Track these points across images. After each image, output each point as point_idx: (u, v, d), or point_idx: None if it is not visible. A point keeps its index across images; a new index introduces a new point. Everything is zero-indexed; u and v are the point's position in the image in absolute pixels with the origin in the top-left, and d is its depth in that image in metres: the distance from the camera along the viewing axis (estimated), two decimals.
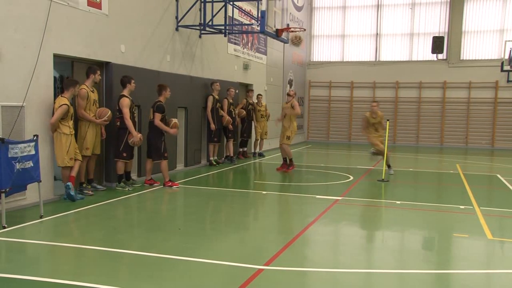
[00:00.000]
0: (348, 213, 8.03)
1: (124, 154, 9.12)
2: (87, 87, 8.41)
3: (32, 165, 6.63)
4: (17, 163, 6.34)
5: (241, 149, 15.04)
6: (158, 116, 9.47)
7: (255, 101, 15.25)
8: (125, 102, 8.92)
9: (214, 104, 12.77)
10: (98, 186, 8.98)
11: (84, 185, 8.59)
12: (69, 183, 7.82)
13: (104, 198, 8.32)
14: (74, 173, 7.94)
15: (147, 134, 9.68)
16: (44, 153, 7.63)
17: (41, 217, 6.83)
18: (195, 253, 5.46)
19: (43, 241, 5.95)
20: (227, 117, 13.16)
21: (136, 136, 9.01)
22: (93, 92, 8.54)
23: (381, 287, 4.81)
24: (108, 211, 7.61)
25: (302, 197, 9.17)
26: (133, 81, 9.16)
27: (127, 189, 9.17)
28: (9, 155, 6.22)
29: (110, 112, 8.64)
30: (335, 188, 10.25)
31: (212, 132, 12.78)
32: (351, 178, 11.43)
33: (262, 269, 4.95)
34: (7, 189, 6.24)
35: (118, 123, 9.06)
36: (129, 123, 8.91)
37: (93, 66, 8.63)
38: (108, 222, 6.98)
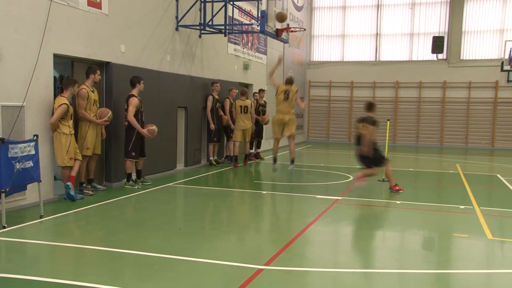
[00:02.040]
0: (348, 213, 8.03)
1: (133, 154, 9.24)
2: (87, 87, 8.41)
3: (32, 165, 6.63)
4: (17, 163, 6.34)
5: (254, 151, 14.87)
6: None
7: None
8: (134, 101, 9.06)
9: (214, 104, 12.77)
10: (98, 186, 8.99)
11: (84, 185, 8.59)
12: (69, 183, 7.82)
13: (104, 198, 8.32)
14: (74, 173, 7.94)
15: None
16: (44, 153, 7.63)
17: (41, 217, 6.83)
18: (195, 253, 5.46)
19: (43, 241, 5.95)
20: (227, 117, 13.17)
21: (143, 132, 9.15)
22: (93, 92, 8.54)
23: (381, 287, 4.81)
24: (108, 211, 7.61)
25: (302, 197, 9.17)
26: (142, 81, 9.32)
27: (136, 187, 9.31)
28: (9, 155, 6.22)
29: (110, 112, 8.66)
30: (335, 188, 10.25)
31: (212, 132, 12.78)
32: (351, 178, 11.43)
33: (262, 269, 4.95)
34: (7, 189, 6.25)
35: (126, 123, 9.15)
36: (132, 119, 9.03)
37: (92, 66, 8.63)
38: (108, 222, 6.98)
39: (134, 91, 9.20)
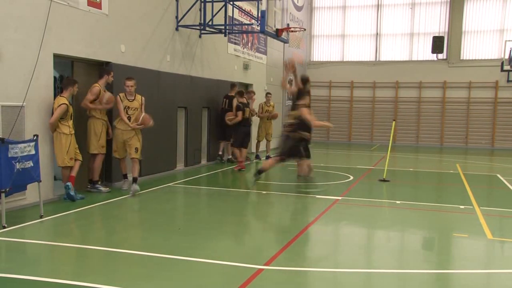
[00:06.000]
0: (348, 213, 8.03)
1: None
2: (100, 86, 8.57)
3: (32, 165, 6.63)
4: (17, 163, 6.34)
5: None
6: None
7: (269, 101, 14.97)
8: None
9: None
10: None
11: (99, 183, 8.79)
12: (68, 183, 7.82)
13: (104, 198, 8.32)
14: (74, 173, 7.94)
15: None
16: (44, 153, 7.63)
17: (41, 217, 6.83)
18: (195, 253, 5.46)
19: (43, 241, 5.95)
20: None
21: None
22: (104, 92, 8.66)
23: (381, 287, 4.81)
24: (108, 211, 7.61)
25: (302, 197, 9.17)
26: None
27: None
28: (9, 155, 6.22)
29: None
30: (335, 188, 10.25)
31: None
32: (351, 178, 11.43)
33: (262, 269, 4.95)
34: (7, 189, 6.25)
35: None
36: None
37: (106, 68, 8.86)
38: (108, 222, 6.98)
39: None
